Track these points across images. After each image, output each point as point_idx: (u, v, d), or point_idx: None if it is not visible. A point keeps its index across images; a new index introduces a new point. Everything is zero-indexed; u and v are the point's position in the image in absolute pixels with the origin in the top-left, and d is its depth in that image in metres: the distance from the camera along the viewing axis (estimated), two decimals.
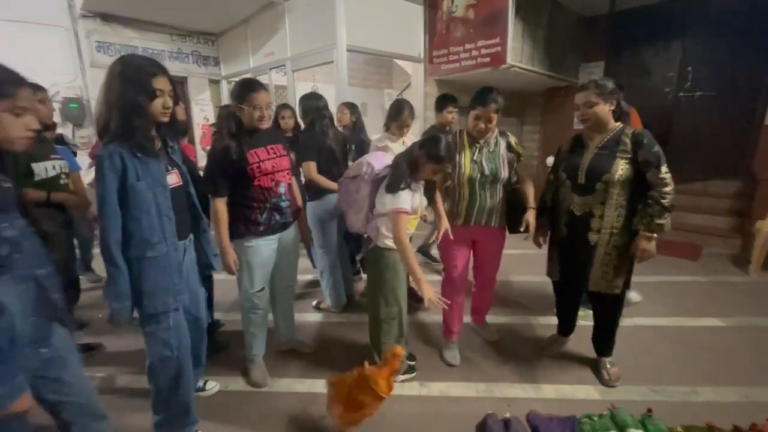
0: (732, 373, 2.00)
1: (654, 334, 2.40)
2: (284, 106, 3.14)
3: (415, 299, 2.57)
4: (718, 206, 4.30)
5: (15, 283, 0.96)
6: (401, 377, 1.97)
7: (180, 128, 1.77)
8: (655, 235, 1.69)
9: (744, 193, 4.14)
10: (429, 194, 1.83)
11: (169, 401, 1.44)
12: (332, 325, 2.58)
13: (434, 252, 3.39)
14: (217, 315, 2.41)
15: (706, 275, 3.31)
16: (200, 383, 1.88)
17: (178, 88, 1.39)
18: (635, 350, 2.18)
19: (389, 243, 1.76)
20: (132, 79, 1.19)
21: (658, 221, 1.67)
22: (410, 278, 1.88)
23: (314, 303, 2.79)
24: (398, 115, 2.44)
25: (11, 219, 0.96)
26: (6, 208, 0.94)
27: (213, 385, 1.91)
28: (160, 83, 1.24)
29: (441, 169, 1.71)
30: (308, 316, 2.68)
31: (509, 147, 1.96)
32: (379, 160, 1.82)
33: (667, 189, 1.66)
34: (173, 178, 1.32)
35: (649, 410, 1.68)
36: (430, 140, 1.69)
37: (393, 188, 1.64)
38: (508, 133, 2.00)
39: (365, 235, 1.92)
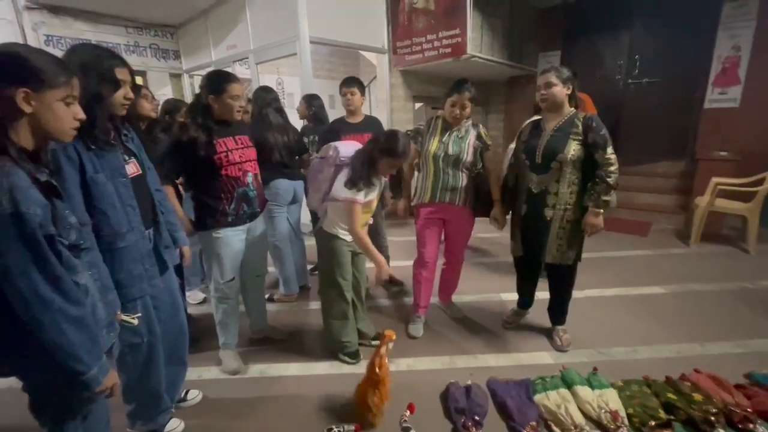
0: (668, 333, 2.23)
1: (603, 303, 2.61)
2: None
3: (390, 281, 2.71)
4: (664, 186, 4.65)
5: (87, 268, 1.00)
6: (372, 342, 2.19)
7: (135, 117, 1.74)
8: (602, 210, 1.85)
9: (687, 173, 4.49)
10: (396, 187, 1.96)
11: (140, 389, 1.46)
12: (301, 313, 2.64)
13: None
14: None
15: (653, 249, 3.60)
16: (181, 393, 1.77)
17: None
18: (585, 318, 2.37)
19: (333, 229, 1.89)
20: (93, 69, 1.15)
21: (605, 198, 1.83)
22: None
23: (267, 296, 2.58)
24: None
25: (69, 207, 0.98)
26: (60, 197, 0.94)
27: (195, 395, 1.82)
28: (122, 73, 1.23)
29: (397, 164, 1.84)
30: (273, 305, 2.71)
31: (479, 136, 2.11)
32: (347, 146, 1.90)
33: (612, 168, 1.82)
34: (131, 168, 1.31)
35: (595, 369, 1.86)
36: (386, 137, 1.80)
37: (352, 184, 1.75)
38: (480, 125, 2.16)
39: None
